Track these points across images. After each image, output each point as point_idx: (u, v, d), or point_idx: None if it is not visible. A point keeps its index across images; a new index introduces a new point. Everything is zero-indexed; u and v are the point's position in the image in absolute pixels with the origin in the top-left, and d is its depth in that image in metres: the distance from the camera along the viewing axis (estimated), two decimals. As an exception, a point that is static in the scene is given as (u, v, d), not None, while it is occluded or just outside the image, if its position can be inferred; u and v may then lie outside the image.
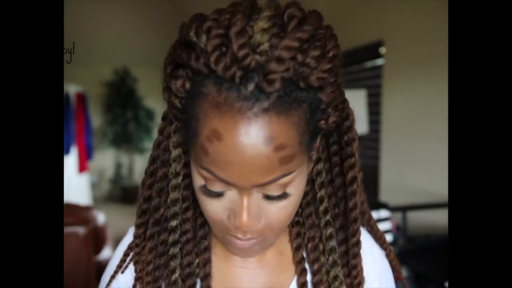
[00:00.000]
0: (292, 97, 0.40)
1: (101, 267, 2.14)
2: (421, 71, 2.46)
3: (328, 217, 0.55)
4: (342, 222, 0.56)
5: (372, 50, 2.96)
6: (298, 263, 0.56)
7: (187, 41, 0.41)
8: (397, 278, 0.63)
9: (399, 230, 2.10)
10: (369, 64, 3.12)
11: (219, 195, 0.45)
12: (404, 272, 1.88)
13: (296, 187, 0.45)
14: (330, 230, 0.55)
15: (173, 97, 0.44)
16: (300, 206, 0.56)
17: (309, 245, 0.55)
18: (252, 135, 0.39)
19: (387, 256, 0.62)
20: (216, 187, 0.44)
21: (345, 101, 0.49)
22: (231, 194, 0.45)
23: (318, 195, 0.56)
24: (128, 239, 0.60)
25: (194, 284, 0.54)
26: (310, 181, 0.56)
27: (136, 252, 0.57)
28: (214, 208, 0.46)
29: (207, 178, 0.44)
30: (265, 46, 0.38)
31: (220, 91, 0.39)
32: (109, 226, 2.39)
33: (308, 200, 0.56)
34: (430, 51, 2.35)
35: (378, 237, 0.62)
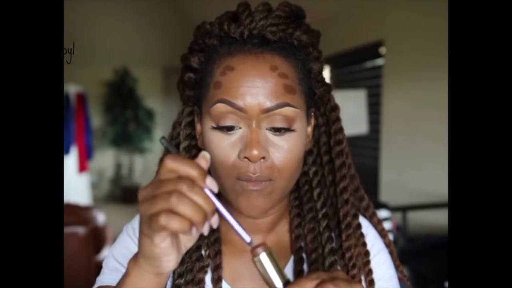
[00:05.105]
0: (289, 50, 0.51)
1: (101, 267, 2.14)
2: (421, 71, 2.46)
3: (324, 210, 0.59)
4: (338, 220, 0.58)
5: (372, 50, 2.96)
6: (297, 251, 0.57)
7: (202, 32, 0.52)
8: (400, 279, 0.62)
9: (399, 230, 2.10)
10: (369, 64, 3.11)
11: (229, 129, 0.49)
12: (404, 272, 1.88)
13: (299, 128, 0.51)
14: (326, 221, 0.58)
15: (189, 73, 0.53)
16: (301, 201, 0.60)
17: (308, 237, 0.58)
18: (259, 65, 0.49)
19: (387, 246, 0.63)
20: (228, 121, 0.49)
21: (331, 89, 0.57)
22: (241, 132, 0.50)
23: (315, 192, 0.60)
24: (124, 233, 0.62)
25: (203, 268, 0.56)
26: (309, 182, 0.61)
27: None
28: (225, 148, 0.50)
29: (220, 113, 0.49)
30: (264, 20, 0.49)
31: (231, 47, 0.50)
32: (109, 226, 2.39)
33: (309, 196, 0.60)
34: (430, 51, 2.35)
35: (374, 224, 0.64)
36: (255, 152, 0.47)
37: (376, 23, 2.86)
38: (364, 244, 0.58)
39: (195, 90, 0.54)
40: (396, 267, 0.62)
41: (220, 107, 0.49)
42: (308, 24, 0.53)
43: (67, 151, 4.15)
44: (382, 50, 2.83)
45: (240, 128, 0.49)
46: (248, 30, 0.49)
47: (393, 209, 2.04)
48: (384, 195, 2.86)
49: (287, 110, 0.49)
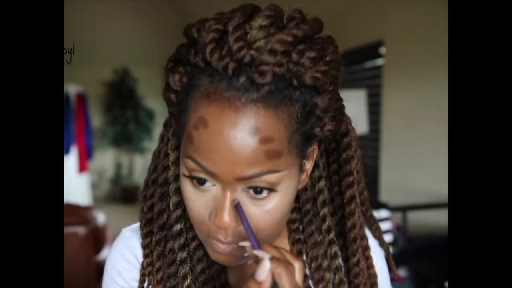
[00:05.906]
0: (283, 94, 0.40)
1: (101, 267, 2.14)
2: (421, 71, 2.46)
3: (332, 235, 0.55)
4: (344, 242, 0.56)
5: (372, 50, 2.96)
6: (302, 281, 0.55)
7: (189, 38, 0.42)
8: (392, 278, 0.63)
9: (399, 230, 2.10)
10: (369, 64, 3.11)
11: (202, 183, 0.43)
12: (404, 272, 1.88)
13: (284, 188, 0.43)
14: (334, 248, 0.54)
15: (170, 92, 0.44)
16: (302, 223, 0.55)
17: (313, 265, 0.54)
18: (238, 124, 0.38)
19: (386, 259, 0.62)
20: (201, 175, 0.43)
21: (344, 114, 0.48)
22: (215, 190, 0.43)
23: (321, 213, 0.55)
24: (121, 242, 0.57)
25: None
26: (312, 199, 0.55)
27: (147, 262, 0.54)
28: (197, 205, 0.44)
29: (192, 168, 0.42)
30: (261, 42, 0.39)
31: (213, 82, 0.40)
32: (109, 226, 2.39)
33: (310, 218, 0.55)
34: (430, 51, 2.35)
35: (373, 230, 0.62)
36: (225, 220, 0.41)
37: (376, 23, 2.86)
38: (372, 267, 0.56)
39: (175, 109, 0.46)
40: (389, 268, 0.62)
41: (191, 163, 0.42)
42: (321, 46, 0.42)
43: (67, 151, 4.15)
44: (382, 50, 2.83)
45: (214, 185, 0.43)
46: (235, 62, 0.38)
47: (393, 209, 2.04)
48: (384, 195, 2.86)
49: (269, 177, 0.41)
